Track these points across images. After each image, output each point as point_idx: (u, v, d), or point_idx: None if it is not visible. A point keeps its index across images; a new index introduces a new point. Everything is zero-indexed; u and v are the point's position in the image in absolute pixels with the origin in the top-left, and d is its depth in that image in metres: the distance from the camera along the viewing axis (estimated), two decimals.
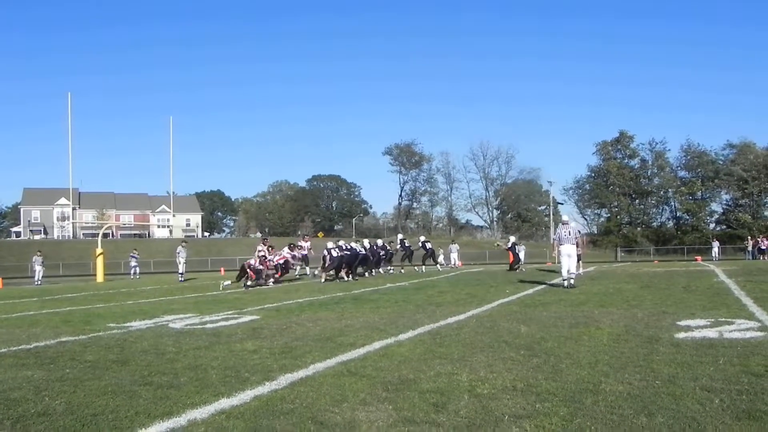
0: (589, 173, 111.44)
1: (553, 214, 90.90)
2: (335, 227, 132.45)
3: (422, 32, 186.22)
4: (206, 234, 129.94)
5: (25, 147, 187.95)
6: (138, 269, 44.26)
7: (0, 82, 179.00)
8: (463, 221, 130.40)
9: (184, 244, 33.51)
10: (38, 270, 39.44)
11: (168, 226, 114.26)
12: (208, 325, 10.81)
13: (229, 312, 13.20)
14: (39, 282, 37.86)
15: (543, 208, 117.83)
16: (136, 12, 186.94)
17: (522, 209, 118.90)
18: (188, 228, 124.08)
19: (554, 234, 18.10)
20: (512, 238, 32.11)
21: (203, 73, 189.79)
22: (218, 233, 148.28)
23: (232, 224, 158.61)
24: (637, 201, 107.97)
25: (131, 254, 45.51)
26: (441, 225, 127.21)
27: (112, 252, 56.47)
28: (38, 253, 41.59)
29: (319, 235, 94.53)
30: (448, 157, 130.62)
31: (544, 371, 6.24)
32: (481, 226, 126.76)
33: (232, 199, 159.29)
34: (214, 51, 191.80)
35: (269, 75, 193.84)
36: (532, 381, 5.85)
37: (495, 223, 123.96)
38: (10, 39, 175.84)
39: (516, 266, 28.94)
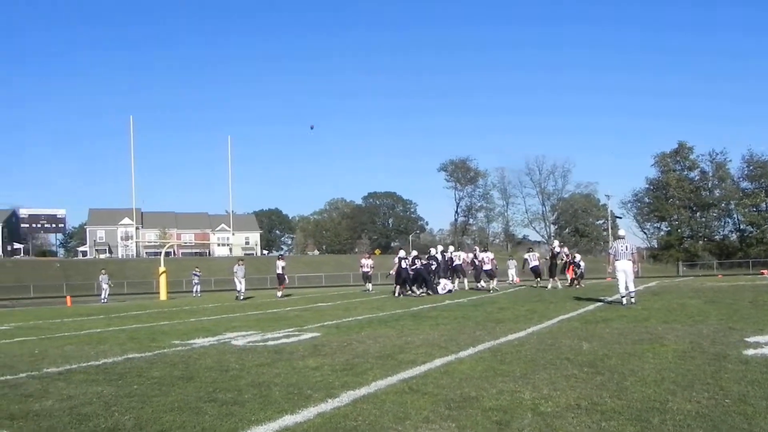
0: (647, 186, 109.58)
1: (611, 228, 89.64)
2: (392, 244, 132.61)
3: (475, 46, 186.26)
4: (265, 252, 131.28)
5: (90, 169, 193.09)
6: (200, 287, 44.88)
7: (66, 108, 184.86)
8: (520, 237, 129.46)
9: (240, 262, 33.98)
10: (105, 288, 40.34)
11: (228, 245, 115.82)
12: (270, 342, 10.91)
13: (290, 329, 13.31)
14: (105, 300, 38.69)
15: (601, 222, 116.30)
16: (194, 31, 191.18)
17: (579, 224, 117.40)
18: (247, 246, 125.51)
19: (610, 248, 17.69)
20: (556, 243, 30.53)
21: (260, 91, 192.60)
22: (277, 251, 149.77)
23: (290, 242, 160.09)
24: (698, 214, 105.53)
25: (193, 272, 46.17)
26: (498, 241, 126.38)
27: (174, 270, 57.38)
28: (102, 272, 42.55)
29: (376, 252, 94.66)
30: (503, 172, 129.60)
31: (608, 389, 6.16)
32: (539, 242, 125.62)
33: (290, 217, 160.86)
34: (269, 68, 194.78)
35: (325, 91, 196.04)
36: (597, 399, 5.78)
37: (552, 238, 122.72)
38: (74, 62, 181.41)
39: (576, 281, 28.10)
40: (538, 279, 28.85)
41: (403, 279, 25.64)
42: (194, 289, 44.31)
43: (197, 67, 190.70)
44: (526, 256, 29.64)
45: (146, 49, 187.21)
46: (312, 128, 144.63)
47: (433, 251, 28.31)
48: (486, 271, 27.80)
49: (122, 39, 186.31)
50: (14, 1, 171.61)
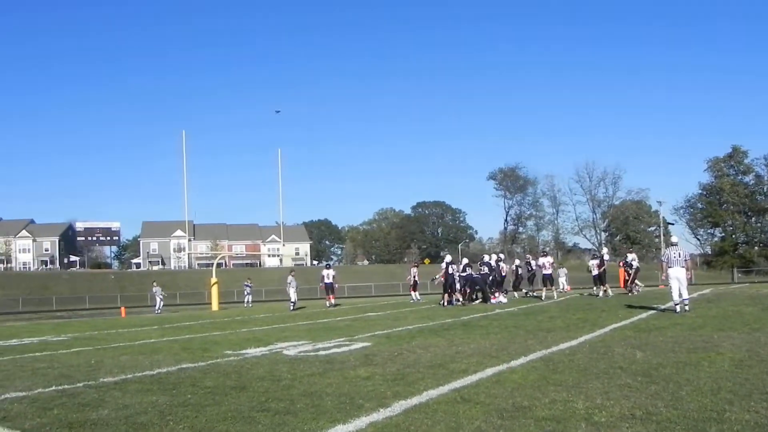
0: (700, 191, 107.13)
1: (663, 235, 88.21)
2: (441, 253, 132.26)
3: (524, 56, 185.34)
4: (315, 262, 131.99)
5: (144, 183, 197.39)
6: (251, 297, 45.19)
7: (120, 124, 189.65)
8: (571, 245, 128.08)
9: (293, 273, 34.13)
10: (159, 299, 40.94)
11: (278, 255, 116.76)
12: (321, 352, 10.97)
13: (341, 339, 13.36)
14: (159, 311, 39.26)
15: (653, 229, 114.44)
16: (241, 54, 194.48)
17: (631, 231, 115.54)
18: (297, 257, 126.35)
19: (663, 256, 17.37)
20: (605, 250, 29.50)
21: (309, 104, 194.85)
22: (326, 261, 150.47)
23: (339, 252, 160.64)
24: (753, 219, 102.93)
25: (245, 283, 46.52)
26: (548, 249, 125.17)
27: (226, 281, 58.03)
28: (154, 284, 43.23)
29: (425, 261, 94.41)
30: (553, 179, 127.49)
31: (663, 398, 6.07)
32: (589, 249, 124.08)
33: (339, 228, 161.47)
34: (317, 82, 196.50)
35: (373, 102, 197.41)
36: (652, 409, 5.70)
37: (603, 245, 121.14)
38: (129, 83, 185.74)
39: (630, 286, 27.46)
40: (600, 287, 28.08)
41: (450, 285, 25.33)
42: (246, 300, 44.64)
43: (247, 82, 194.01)
44: (591, 262, 28.99)
45: (198, 67, 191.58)
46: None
47: (486, 258, 27.73)
48: (546, 275, 27.45)
49: (175, 58, 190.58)
50: (69, 27, 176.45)
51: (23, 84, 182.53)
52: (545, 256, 28.83)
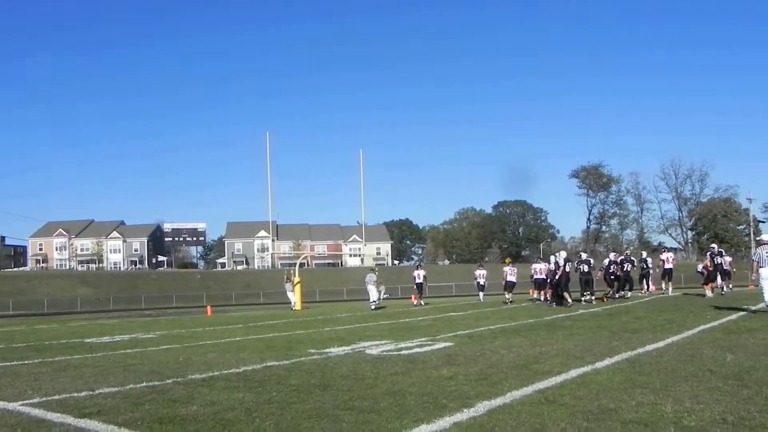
0: None
1: (753, 234, 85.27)
2: (522, 253, 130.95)
3: (608, 55, 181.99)
4: (396, 262, 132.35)
5: (229, 184, 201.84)
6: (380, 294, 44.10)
7: (205, 127, 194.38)
8: (656, 244, 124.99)
9: (373, 271, 34.23)
10: (291, 296, 41.11)
11: (360, 255, 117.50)
12: (404, 352, 11.00)
13: (423, 339, 13.36)
14: (293, 307, 39.65)
15: (742, 227, 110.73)
16: (324, 57, 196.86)
17: (719, 229, 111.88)
18: (378, 256, 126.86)
19: (754, 255, 16.74)
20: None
21: (390, 103, 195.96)
22: (407, 261, 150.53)
23: (420, 252, 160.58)
24: None
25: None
26: (632, 248, 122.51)
27: (308, 281, 58.65)
28: (287, 280, 43.59)
29: (506, 261, 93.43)
30: (637, 177, 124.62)
31: (756, 403, 5.88)
32: (675, 248, 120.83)
33: (420, 228, 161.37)
34: (398, 80, 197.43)
35: (453, 100, 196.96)
36: (744, 413, 5.52)
37: (690, 245, 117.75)
38: (215, 85, 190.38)
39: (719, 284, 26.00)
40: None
41: (563, 283, 23.27)
42: (381, 297, 42.71)
43: (330, 84, 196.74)
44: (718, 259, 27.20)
45: (282, 69, 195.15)
46: None
47: (584, 256, 26.17)
48: (667, 269, 27.10)
49: (260, 61, 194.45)
50: (150, 32, 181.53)
51: (111, 90, 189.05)
52: (667, 251, 28.63)
